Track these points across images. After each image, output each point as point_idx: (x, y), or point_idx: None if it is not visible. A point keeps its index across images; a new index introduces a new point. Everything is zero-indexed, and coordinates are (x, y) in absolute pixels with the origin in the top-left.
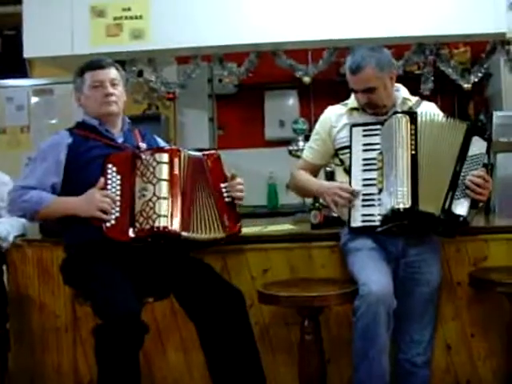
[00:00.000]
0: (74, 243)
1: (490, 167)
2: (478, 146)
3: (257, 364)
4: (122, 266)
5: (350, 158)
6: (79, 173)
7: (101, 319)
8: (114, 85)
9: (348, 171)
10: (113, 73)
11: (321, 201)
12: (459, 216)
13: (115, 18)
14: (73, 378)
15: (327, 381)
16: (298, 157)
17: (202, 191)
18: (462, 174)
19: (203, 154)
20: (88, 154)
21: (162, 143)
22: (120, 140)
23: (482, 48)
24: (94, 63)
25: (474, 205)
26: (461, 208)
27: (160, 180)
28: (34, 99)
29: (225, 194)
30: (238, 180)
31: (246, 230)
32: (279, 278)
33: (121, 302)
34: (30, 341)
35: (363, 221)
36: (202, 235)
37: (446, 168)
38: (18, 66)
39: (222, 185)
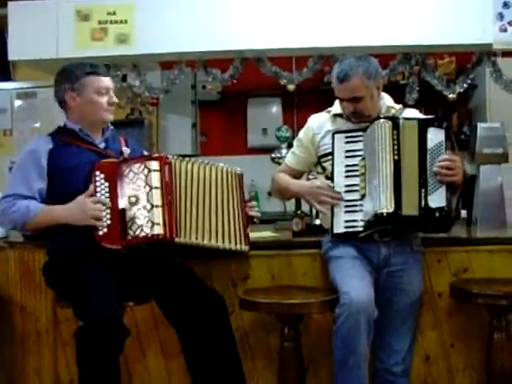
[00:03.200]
0: (58, 248)
1: (455, 146)
2: (435, 136)
3: (238, 370)
4: (105, 270)
5: (333, 164)
6: (62, 179)
7: (82, 322)
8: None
9: (330, 178)
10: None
11: (303, 208)
12: (439, 208)
13: (100, 22)
14: (53, 381)
15: None
16: (281, 164)
17: (228, 202)
18: (428, 167)
19: (241, 172)
20: (70, 160)
21: (145, 153)
22: (102, 145)
23: (468, 59)
24: (100, 69)
25: (451, 189)
26: (438, 200)
27: (152, 188)
28: (18, 102)
29: (248, 212)
30: (254, 203)
31: None
32: (260, 285)
33: (102, 306)
34: (11, 343)
35: (346, 227)
36: (218, 243)
37: (416, 168)
38: (1, 69)
39: (246, 204)
